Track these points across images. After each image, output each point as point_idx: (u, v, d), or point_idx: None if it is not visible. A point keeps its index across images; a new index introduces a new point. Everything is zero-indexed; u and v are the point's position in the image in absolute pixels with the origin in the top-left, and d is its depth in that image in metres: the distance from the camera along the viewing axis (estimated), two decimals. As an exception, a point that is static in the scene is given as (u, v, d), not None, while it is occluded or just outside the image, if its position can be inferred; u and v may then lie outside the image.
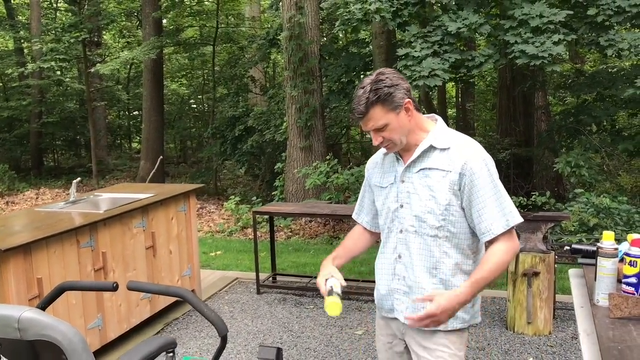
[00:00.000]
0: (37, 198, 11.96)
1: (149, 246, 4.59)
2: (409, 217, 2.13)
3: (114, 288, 2.31)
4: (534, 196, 7.50)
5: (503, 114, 10.59)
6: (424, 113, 2.24)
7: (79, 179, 5.12)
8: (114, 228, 4.21)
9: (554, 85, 10.44)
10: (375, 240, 2.44)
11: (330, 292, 2.07)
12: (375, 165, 2.34)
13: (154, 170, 11.48)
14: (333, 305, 2.04)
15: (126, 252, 4.33)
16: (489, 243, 2.10)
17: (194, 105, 19.05)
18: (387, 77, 2.05)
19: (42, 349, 1.71)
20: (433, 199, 2.08)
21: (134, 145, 20.72)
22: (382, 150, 2.29)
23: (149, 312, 4.61)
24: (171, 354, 2.82)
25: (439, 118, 2.22)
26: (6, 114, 15.36)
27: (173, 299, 4.96)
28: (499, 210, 2.05)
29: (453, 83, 12.82)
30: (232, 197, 9.90)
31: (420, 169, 2.12)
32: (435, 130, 2.16)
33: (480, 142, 2.23)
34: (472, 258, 2.15)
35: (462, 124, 14.56)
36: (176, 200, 4.97)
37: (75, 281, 3.52)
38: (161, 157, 12.37)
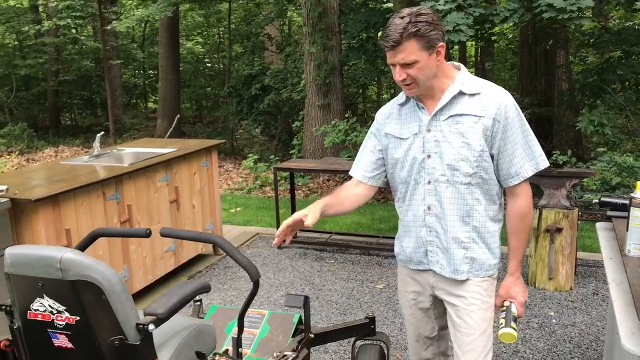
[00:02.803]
0: (56, 156, 12.05)
1: (173, 200, 4.64)
2: (440, 166, 2.08)
3: (147, 234, 2.34)
4: (555, 155, 7.43)
5: (524, 72, 10.40)
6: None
7: (102, 132, 5.15)
8: (139, 181, 4.25)
9: (577, 43, 10.21)
10: (370, 196, 2.33)
11: (507, 322, 2.10)
12: (389, 116, 2.24)
13: (171, 129, 11.49)
14: (508, 336, 2.07)
15: (151, 206, 4.38)
16: (508, 189, 2.15)
17: (209, 64, 18.92)
18: (428, 15, 1.97)
19: (82, 289, 1.75)
20: (466, 145, 2.04)
21: (150, 104, 20.71)
22: (397, 100, 2.23)
23: (173, 264, 4.69)
24: (198, 303, 2.89)
25: (462, 65, 2.17)
26: (23, 72, 15.36)
27: (196, 253, 5.03)
28: (528, 153, 2.07)
29: (473, 42, 12.59)
30: (250, 155, 9.92)
31: (450, 116, 2.07)
32: (460, 76, 2.11)
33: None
34: (497, 203, 2.16)
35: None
36: (198, 155, 4.99)
37: (109, 228, 3.58)
38: (178, 115, 12.37)
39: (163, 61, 13.11)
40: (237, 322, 2.25)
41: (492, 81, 2.22)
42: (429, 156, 2.10)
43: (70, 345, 1.82)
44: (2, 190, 3.29)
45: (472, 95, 2.05)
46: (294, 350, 2.59)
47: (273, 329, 2.85)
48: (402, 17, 1.95)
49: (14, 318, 1.93)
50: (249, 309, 2.29)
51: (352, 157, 7.80)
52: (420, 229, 2.19)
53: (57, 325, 1.80)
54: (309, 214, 2.06)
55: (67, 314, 1.78)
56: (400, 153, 2.17)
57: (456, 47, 9.31)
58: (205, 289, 2.06)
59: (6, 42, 16.97)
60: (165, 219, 4.53)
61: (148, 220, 4.33)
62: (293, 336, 2.79)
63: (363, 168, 2.30)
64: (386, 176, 2.30)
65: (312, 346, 2.88)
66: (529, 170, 2.08)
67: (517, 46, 12.17)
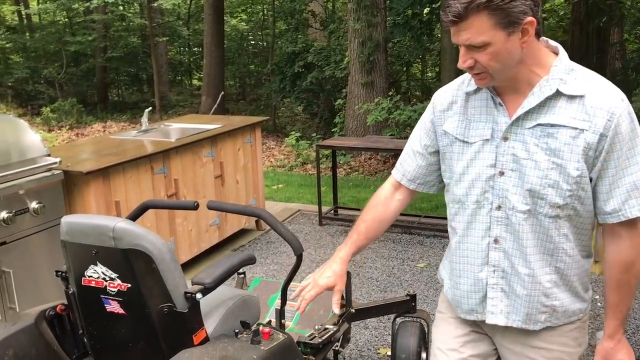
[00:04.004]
0: (104, 131, 12.37)
1: (218, 175, 4.72)
2: (517, 189, 1.56)
3: (195, 207, 2.40)
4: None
5: (575, 51, 10.08)
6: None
7: (150, 108, 5.27)
8: (185, 156, 4.34)
9: (633, 20, 9.82)
10: (409, 202, 1.87)
11: None
12: (450, 106, 1.68)
13: (215, 106, 11.62)
14: None
15: (196, 180, 4.47)
16: (607, 226, 1.60)
17: (253, 42, 18.98)
18: None
19: (134, 257, 1.82)
20: (558, 168, 1.51)
21: (194, 82, 20.97)
22: (463, 83, 1.67)
23: (217, 238, 4.79)
24: (242, 275, 2.96)
25: (561, 48, 1.58)
26: (73, 48, 15.74)
27: (240, 227, 5.12)
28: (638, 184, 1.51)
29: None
30: (292, 133, 9.97)
31: (539, 124, 1.51)
32: (559, 66, 1.52)
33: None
34: (589, 234, 1.65)
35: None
36: (243, 131, 5.05)
37: (158, 199, 3.69)
38: (222, 92, 12.49)
39: (208, 38, 13.22)
40: (280, 294, 2.30)
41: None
42: (502, 173, 1.58)
43: (121, 311, 1.90)
44: (55, 163, 3.41)
45: (573, 97, 1.50)
46: (335, 324, 2.62)
47: (314, 303, 2.89)
48: None
49: (69, 284, 2.02)
50: (291, 283, 2.34)
51: (394, 136, 7.77)
52: (480, 267, 1.66)
53: (110, 292, 1.88)
54: (337, 282, 1.76)
55: (119, 281, 1.85)
56: (461, 162, 1.64)
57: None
58: (251, 260, 2.11)
59: (57, 19, 17.41)
60: (210, 194, 4.62)
61: (194, 194, 4.42)
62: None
63: (407, 171, 1.81)
64: (442, 181, 1.78)
65: (353, 321, 2.92)
66: (636, 210, 1.52)
67: (568, 24, 11.78)
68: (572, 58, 1.61)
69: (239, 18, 18.89)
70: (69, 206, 3.54)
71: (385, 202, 1.86)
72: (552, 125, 1.50)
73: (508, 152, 1.56)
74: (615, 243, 1.59)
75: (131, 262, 1.82)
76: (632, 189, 1.51)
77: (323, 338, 2.47)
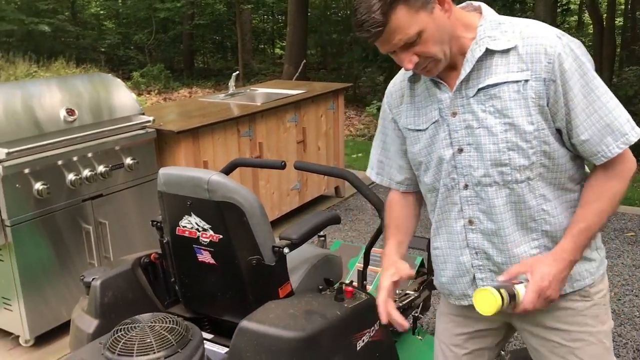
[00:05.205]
0: (190, 96, 12.75)
1: (300, 141, 4.77)
2: (479, 163, 1.47)
3: (282, 166, 2.45)
4: None
5: None
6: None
7: (237, 72, 5.37)
8: (270, 121, 4.40)
9: None
10: (421, 204, 1.75)
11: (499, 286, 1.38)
12: (400, 100, 1.62)
13: (297, 74, 11.70)
14: (485, 297, 1.34)
15: (280, 145, 4.54)
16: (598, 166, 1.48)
17: (336, 10, 18.85)
18: None
19: (226, 210, 1.88)
20: (512, 128, 1.42)
21: (277, 50, 21.16)
22: (404, 74, 1.60)
23: (297, 202, 4.86)
24: (322, 238, 2.99)
25: (484, 6, 1.51)
26: (162, 15, 16.23)
27: (319, 193, 5.17)
28: (608, 121, 1.40)
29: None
30: (374, 102, 9.89)
31: (480, 89, 1.44)
32: (484, 25, 1.45)
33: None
34: (578, 187, 1.52)
35: (630, 35, 13.13)
36: (326, 98, 5.06)
37: (247, 158, 3.79)
38: (304, 61, 12.53)
39: (292, 6, 13.25)
40: (363, 255, 2.31)
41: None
42: (460, 150, 1.49)
43: (212, 261, 1.97)
44: (149, 121, 3.55)
45: (506, 51, 1.42)
46: (415, 291, 2.62)
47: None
48: None
49: (164, 233, 2.12)
50: (372, 249, 2.35)
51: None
52: (460, 251, 1.58)
53: (202, 242, 1.96)
54: (401, 272, 1.58)
55: (211, 232, 1.92)
56: (420, 150, 1.58)
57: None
58: (336, 220, 2.14)
59: (147, -15, 17.97)
60: (292, 159, 4.68)
61: (277, 158, 4.50)
62: (415, 278, 2.82)
63: (399, 171, 1.71)
64: None
65: (434, 289, 2.90)
66: (615, 146, 1.40)
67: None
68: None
69: (323, -15, 18.78)
70: (160, 163, 3.69)
71: (399, 208, 1.75)
72: (494, 86, 1.42)
73: (460, 127, 1.48)
74: (605, 177, 1.44)
75: (223, 214, 1.88)
76: (604, 127, 1.40)
77: (403, 303, 2.48)
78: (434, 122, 1.53)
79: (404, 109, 1.61)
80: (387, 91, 1.68)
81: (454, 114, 1.48)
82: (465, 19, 1.46)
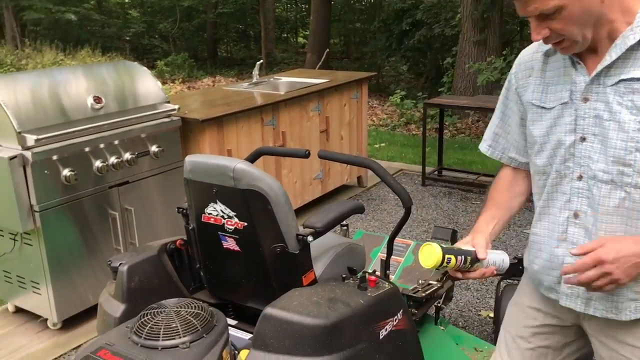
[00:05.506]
0: (213, 85, 12.82)
1: (323, 130, 4.77)
2: (599, 157, 1.38)
3: (306, 155, 2.45)
4: None
5: None
6: None
7: (261, 61, 5.38)
8: (293, 110, 4.41)
9: None
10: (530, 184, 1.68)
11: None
12: (529, 72, 1.54)
13: (320, 63, 11.67)
14: (427, 252, 1.42)
15: (303, 134, 4.54)
16: None
17: (360, -1, 18.75)
18: None
19: (251, 197, 1.89)
20: None
21: (299, 39, 21.13)
22: (538, 45, 1.52)
23: (320, 192, 4.87)
24: (345, 227, 3.00)
25: None
26: (186, 3, 16.32)
27: (341, 183, 5.17)
28: None
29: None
30: (397, 91, 9.83)
31: (621, 80, 1.33)
32: None
33: None
34: None
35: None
36: (349, 87, 5.04)
37: (271, 147, 3.80)
38: (327, 50, 12.50)
39: (315, -6, 13.23)
40: (386, 244, 2.31)
41: None
42: (583, 139, 1.41)
43: (237, 248, 1.99)
44: (174, 109, 3.58)
45: None
46: (438, 281, 2.61)
47: (417, 259, 2.90)
48: None
49: (189, 220, 2.14)
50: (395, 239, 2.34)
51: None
52: (557, 243, 1.48)
53: (227, 229, 1.97)
54: (476, 246, 1.51)
55: (236, 220, 1.94)
56: (540, 129, 1.49)
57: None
58: (360, 209, 2.13)
59: (172, -25, 18.04)
60: (315, 148, 4.68)
61: (300, 147, 4.50)
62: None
63: (515, 146, 1.64)
64: None
65: (457, 280, 2.89)
66: None
67: None
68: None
69: (347, -26, 18.68)
70: (184, 152, 3.72)
71: (506, 183, 1.69)
72: (638, 80, 1.31)
73: (589, 115, 1.38)
74: None
75: (248, 201, 1.89)
76: None
77: (426, 293, 2.48)
78: (562, 103, 1.44)
79: (532, 82, 1.52)
80: (516, 61, 1.60)
81: (586, 100, 1.39)
82: (627, 2, 1.34)
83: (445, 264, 1.41)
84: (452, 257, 1.42)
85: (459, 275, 1.50)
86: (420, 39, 10.96)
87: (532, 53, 1.55)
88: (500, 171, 1.72)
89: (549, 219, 1.51)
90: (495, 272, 1.52)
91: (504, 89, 1.65)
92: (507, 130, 1.65)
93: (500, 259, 1.53)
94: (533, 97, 1.51)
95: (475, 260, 1.46)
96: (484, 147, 1.72)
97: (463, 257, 1.44)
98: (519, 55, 1.60)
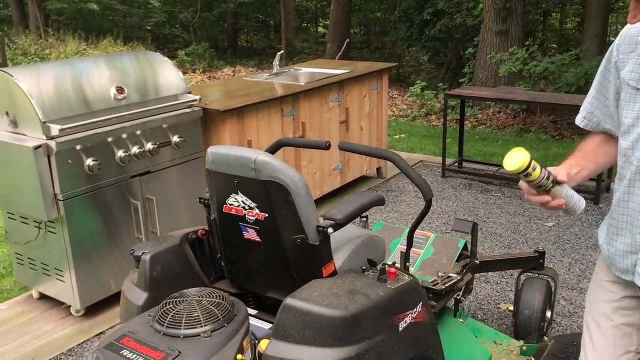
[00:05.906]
0: (233, 75, 12.85)
1: (343, 121, 4.76)
2: None
3: (327, 146, 2.45)
4: None
5: None
6: None
7: (282, 51, 5.38)
8: (313, 100, 4.40)
9: None
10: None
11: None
12: (632, 47, 1.44)
13: (340, 53, 11.63)
14: (514, 155, 1.39)
15: (322, 124, 4.54)
16: None
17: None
18: None
19: (272, 188, 1.90)
20: None
21: (319, 29, 21.05)
22: None
23: (339, 183, 4.87)
24: (364, 219, 3.00)
25: None
26: (207, -7, 16.37)
27: (361, 174, 5.17)
28: None
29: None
30: (418, 82, 9.77)
31: None
32: None
33: None
34: None
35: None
36: (370, 77, 5.02)
37: (292, 138, 3.81)
38: (348, 39, 12.44)
39: (336, -16, 13.15)
40: (406, 236, 2.31)
41: None
42: None
43: (257, 238, 2.00)
44: (195, 100, 3.60)
45: None
46: (458, 273, 2.61)
47: (437, 251, 2.89)
48: None
49: (211, 210, 2.16)
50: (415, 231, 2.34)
51: (529, 88, 7.34)
52: (638, 229, 1.47)
53: (248, 220, 1.98)
54: (557, 171, 1.48)
55: (257, 210, 1.95)
56: (629, 112, 1.44)
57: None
58: (380, 201, 2.13)
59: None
60: (335, 139, 4.68)
61: (319, 138, 4.50)
62: (457, 261, 2.81)
63: (609, 119, 1.58)
64: None
65: (477, 272, 2.88)
66: None
67: None
68: None
69: (368, -37, 18.52)
70: (205, 142, 3.75)
71: (596, 142, 1.65)
72: None
73: None
74: None
75: (269, 193, 1.90)
76: None
77: (446, 285, 2.47)
78: None
79: (633, 59, 1.43)
80: (621, 32, 1.50)
81: None
82: None
83: (530, 170, 1.37)
84: (538, 166, 1.39)
85: (533, 193, 1.44)
86: (441, 29, 10.85)
87: (639, 30, 1.45)
88: (593, 134, 1.66)
89: (630, 205, 1.47)
90: (563, 206, 1.48)
91: (604, 60, 1.57)
92: (604, 103, 1.58)
93: (577, 197, 1.50)
94: (630, 76, 1.43)
95: (556, 182, 1.43)
96: (579, 118, 1.66)
97: (547, 172, 1.41)
98: (625, 27, 1.50)
